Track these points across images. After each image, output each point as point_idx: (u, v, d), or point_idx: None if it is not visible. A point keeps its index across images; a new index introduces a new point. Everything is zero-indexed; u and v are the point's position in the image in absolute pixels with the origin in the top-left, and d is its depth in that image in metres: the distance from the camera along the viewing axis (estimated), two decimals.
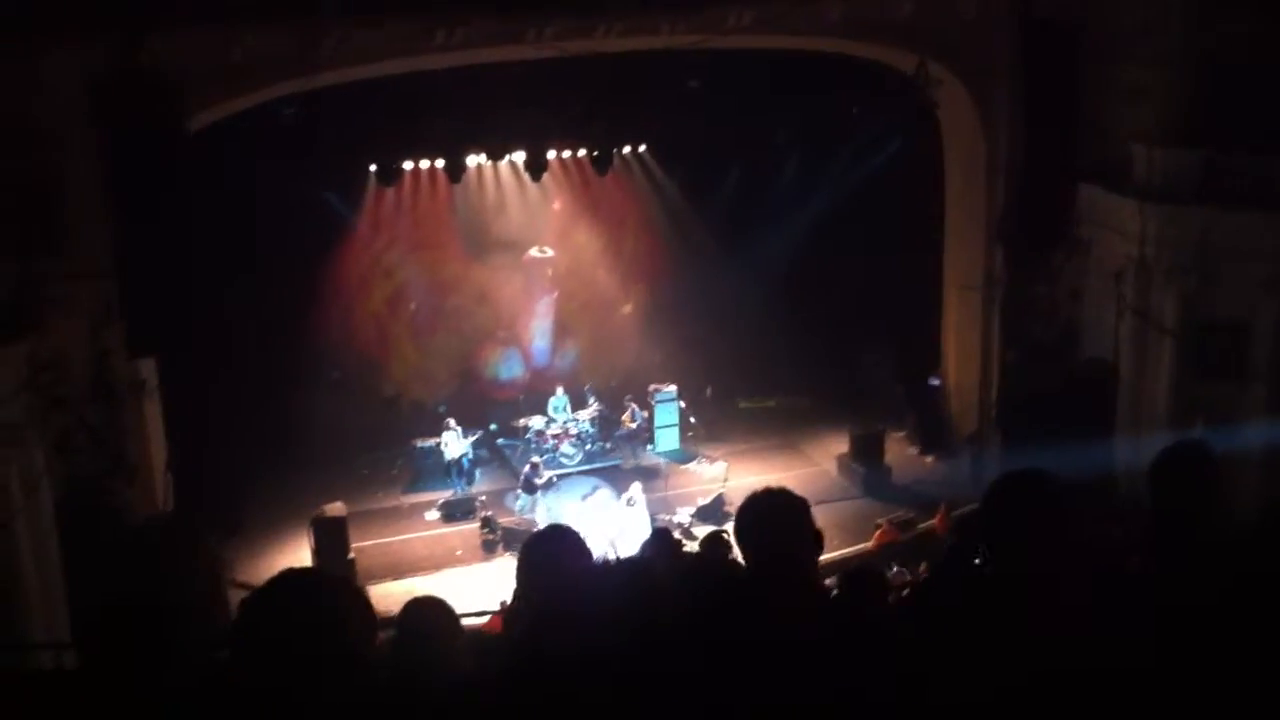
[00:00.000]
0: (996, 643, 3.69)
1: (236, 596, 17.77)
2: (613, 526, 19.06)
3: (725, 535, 11.22)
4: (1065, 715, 3.60)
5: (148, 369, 17.24)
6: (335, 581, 3.08)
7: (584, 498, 20.65)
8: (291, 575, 3.00)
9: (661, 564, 10.12)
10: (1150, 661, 3.73)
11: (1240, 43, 17.75)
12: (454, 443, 22.09)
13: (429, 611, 5.45)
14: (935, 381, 23.62)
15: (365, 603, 3.00)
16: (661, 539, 11.53)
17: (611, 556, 16.13)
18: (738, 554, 4.24)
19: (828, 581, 14.04)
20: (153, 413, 17.69)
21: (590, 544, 4.40)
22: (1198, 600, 4.00)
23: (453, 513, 21.38)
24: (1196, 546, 4.43)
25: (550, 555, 4.21)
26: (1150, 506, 4.72)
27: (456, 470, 22.09)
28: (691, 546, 13.52)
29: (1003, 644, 3.67)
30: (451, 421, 22.25)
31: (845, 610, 4.43)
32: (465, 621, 5.94)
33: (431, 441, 22.69)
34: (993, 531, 4.00)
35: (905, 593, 13.22)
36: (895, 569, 16.49)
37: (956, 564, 5.57)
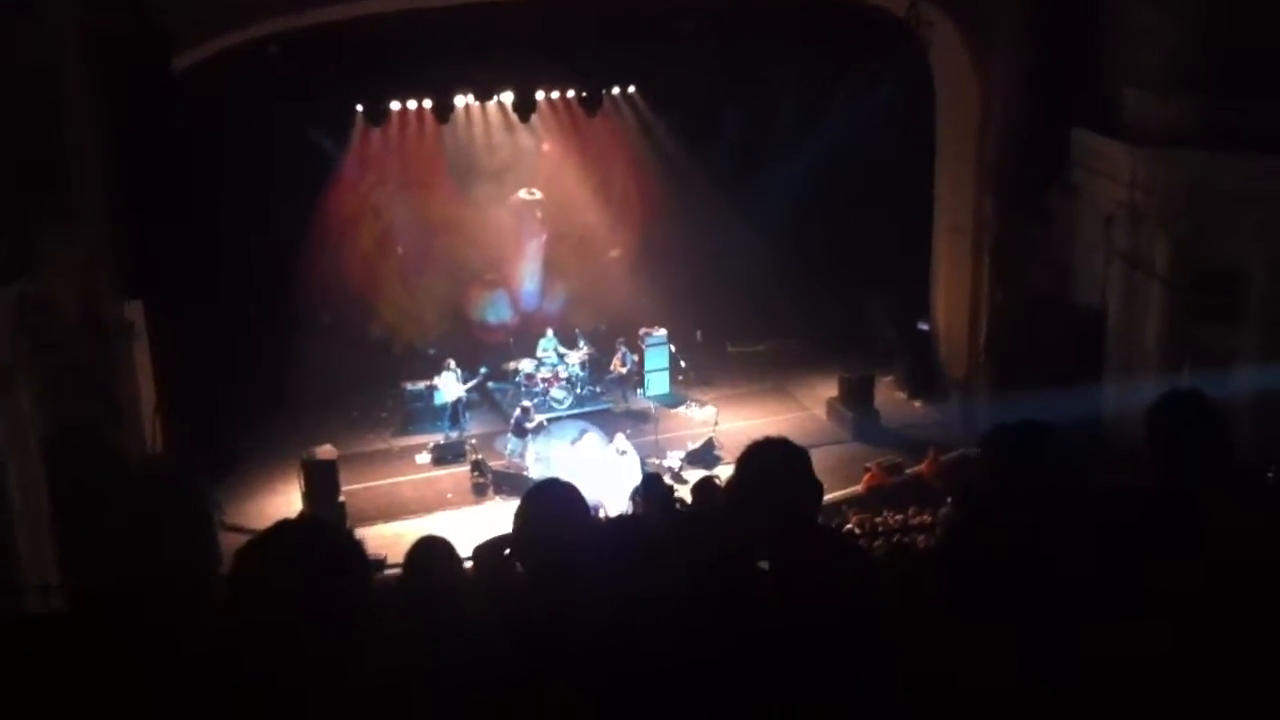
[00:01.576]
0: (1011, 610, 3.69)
1: (228, 538, 17.83)
2: (603, 471, 19.13)
3: (716, 480, 11.24)
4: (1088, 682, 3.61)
5: (136, 311, 17.15)
6: (330, 530, 3.06)
7: (573, 442, 20.68)
8: (286, 526, 2.97)
9: (654, 518, 10.15)
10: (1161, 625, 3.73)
11: None
12: (451, 385, 22.06)
13: (435, 550, 5.46)
14: (924, 326, 23.63)
15: (361, 552, 2.97)
16: (653, 485, 11.54)
17: (602, 504, 16.14)
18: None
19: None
20: (142, 355, 17.62)
21: (582, 490, 4.37)
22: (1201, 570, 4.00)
23: (443, 456, 21.41)
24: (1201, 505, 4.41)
25: (546, 513, 4.17)
26: (1150, 456, 4.70)
27: (451, 413, 22.06)
28: (683, 490, 13.53)
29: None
30: (451, 363, 22.20)
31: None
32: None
33: (421, 384, 22.67)
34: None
35: (895, 538, 13.27)
36: (885, 513, 16.56)
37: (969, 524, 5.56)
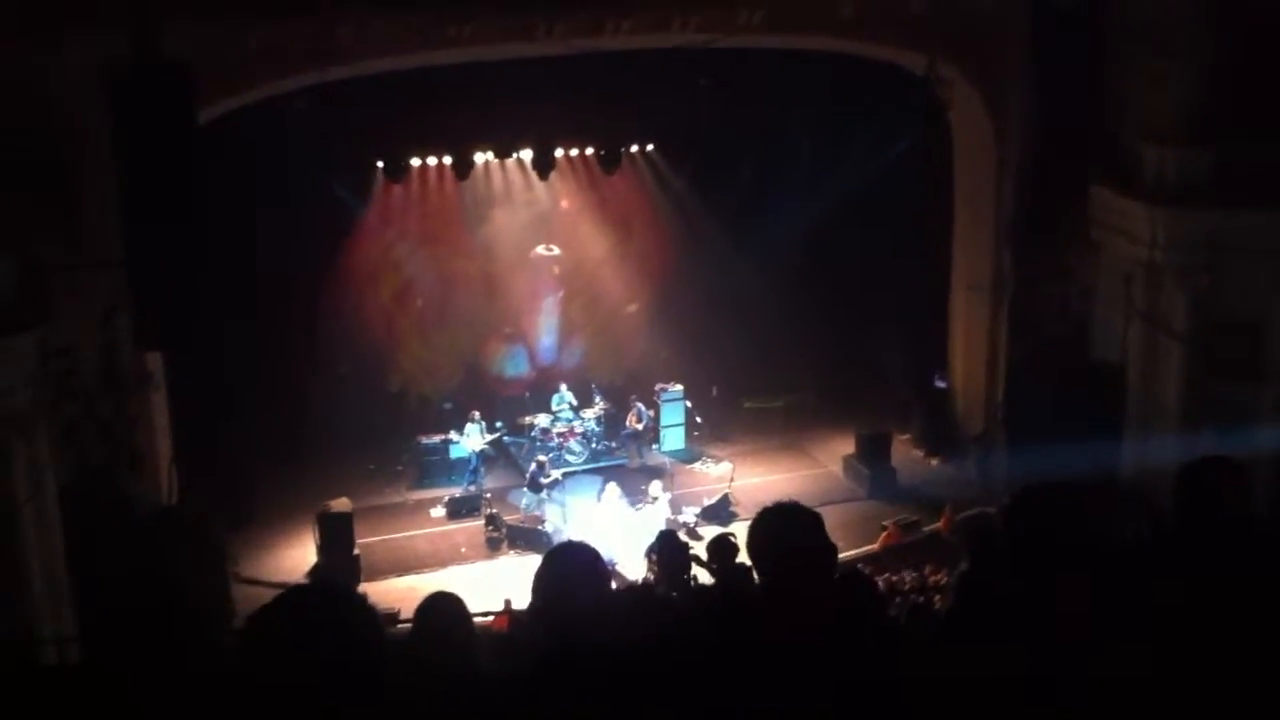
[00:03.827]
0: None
1: (241, 591, 17.82)
2: (623, 525, 19.11)
3: (732, 537, 11.19)
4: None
5: (155, 361, 17.22)
6: (343, 596, 3.05)
7: (598, 495, 20.62)
8: (297, 593, 2.98)
9: (665, 586, 10.14)
10: (1172, 669, 3.71)
11: (1258, 36, 17.54)
12: (474, 437, 22.10)
13: (444, 607, 5.44)
14: (941, 383, 23.57)
15: (374, 618, 2.97)
16: (667, 548, 11.55)
17: (617, 560, 16.09)
18: (744, 556, 4.24)
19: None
20: (160, 405, 17.69)
21: (603, 545, 4.37)
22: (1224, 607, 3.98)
23: (459, 509, 21.34)
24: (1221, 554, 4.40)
25: (561, 576, 4.17)
26: (1174, 519, 4.70)
27: (472, 466, 22.07)
28: (698, 546, 13.49)
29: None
30: (476, 414, 22.30)
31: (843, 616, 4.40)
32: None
33: (438, 438, 22.69)
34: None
35: (913, 597, 13.18)
36: (901, 572, 16.46)
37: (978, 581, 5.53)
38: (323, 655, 2.67)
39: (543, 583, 4.06)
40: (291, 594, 2.85)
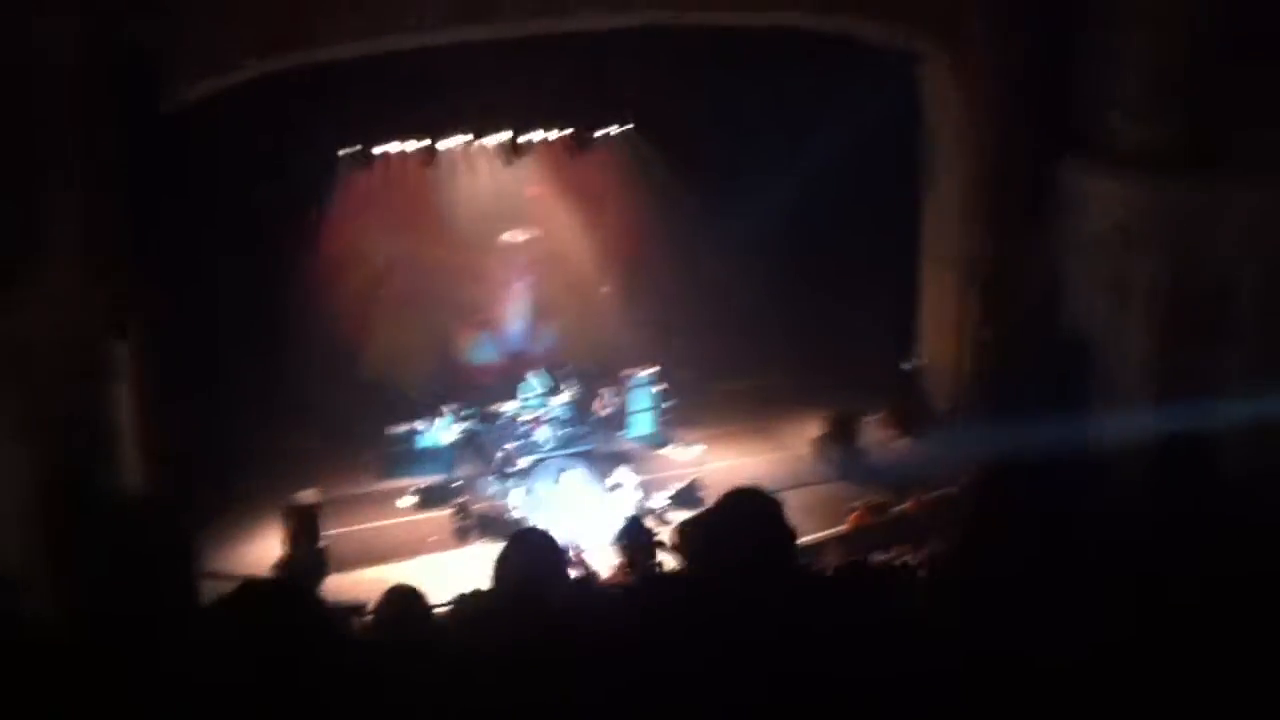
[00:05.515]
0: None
1: (207, 586, 17.69)
2: (588, 510, 19.12)
3: (698, 523, 11.18)
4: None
5: (125, 351, 17.08)
6: (294, 593, 3.05)
7: (557, 481, 20.63)
8: (249, 589, 2.98)
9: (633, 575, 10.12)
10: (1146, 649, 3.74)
11: (1230, 6, 17.57)
12: (445, 428, 22.04)
13: (404, 598, 5.45)
14: (909, 364, 23.60)
15: (324, 613, 2.98)
16: (633, 535, 11.56)
17: (580, 544, 16.08)
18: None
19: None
20: (130, 395, 17.54)
21: (564, 530, 4.41)
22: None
23: (428, 499, 21.29)
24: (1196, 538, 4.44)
25: (519, 564, 4.20)
26: (1147, 501, 4.74)
27: (440, 456, 22.04)
28: (665, 532, 13.52)
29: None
30: (449, 406, 22.25)
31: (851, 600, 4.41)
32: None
33: (406, 427, 22.61)
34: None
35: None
36: (871, 554, 16.48)
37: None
38: (269, 650, 2.67)
39: (501, 570, 4.07)
40: (240, 590, 2.85)
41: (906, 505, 19.91)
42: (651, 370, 23.87)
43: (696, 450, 22.62)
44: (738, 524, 3.95)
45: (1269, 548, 4.42)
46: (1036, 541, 3.90)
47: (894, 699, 3.51)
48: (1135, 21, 18.59)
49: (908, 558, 15.54)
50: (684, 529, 11.09)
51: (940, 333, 22.65)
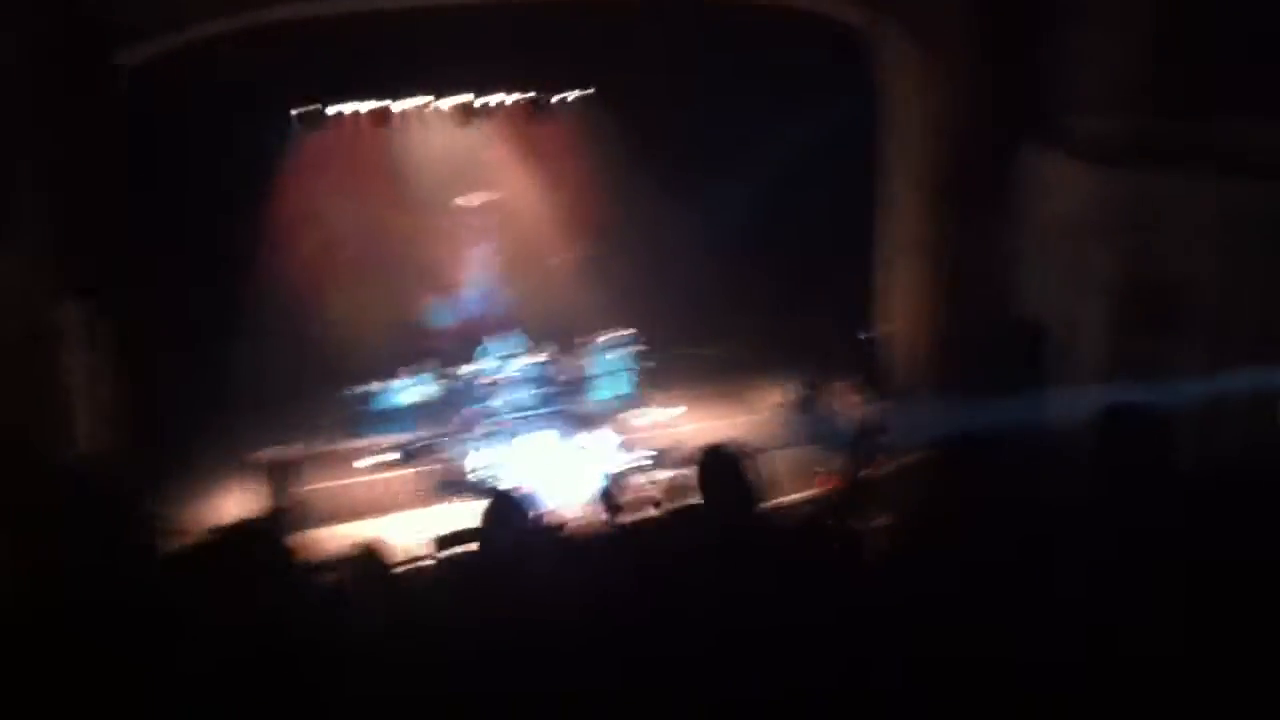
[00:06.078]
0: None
1: (164, 543, 17.54)
2: (555, 470, 19.19)
3: (676, 479, 11.23)
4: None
5: (77, 313, 16.90)
6: (260, 535, 3.01)
7: (521, 442, 20.71)
8: (216, 533, 2.94)
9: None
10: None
11: (1193, 6, 17.66)
12: (408, 388, 22.08)
13: (366, 557, 5.43)
14: (869, 334, 23.70)
15: (287, 556, 2.93)
16: (610, 488, 11.57)
17: (545, 503, 16.10)
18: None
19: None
20: (82, 358, 17.35)
21: (536, 492, 4.42)
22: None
23: (391, 459, 21.28)
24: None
25: (490, 523, 4.20)
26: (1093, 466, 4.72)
27: (407, 416, 22.07)
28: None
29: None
30: (409, 367, 22.30)
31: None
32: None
33: (367, 387, 22.53)
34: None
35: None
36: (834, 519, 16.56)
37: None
38: (241, 588, 2.63)
39: (475, 529, 4.07)
40: (212, 533, 2.80)
41: (869, 471, 20.02)
42: (627, 332, 23.79)
43: (677, 411, 22.71)
44: (716, 474, 3.98)
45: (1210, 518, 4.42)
46: (989, 512, 3.91)
47: (838, 646, 3.54)
48: (1102, 21, 18.68)
49: (869, 523, 15.61)
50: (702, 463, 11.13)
51: (902, 311, 22.82)
